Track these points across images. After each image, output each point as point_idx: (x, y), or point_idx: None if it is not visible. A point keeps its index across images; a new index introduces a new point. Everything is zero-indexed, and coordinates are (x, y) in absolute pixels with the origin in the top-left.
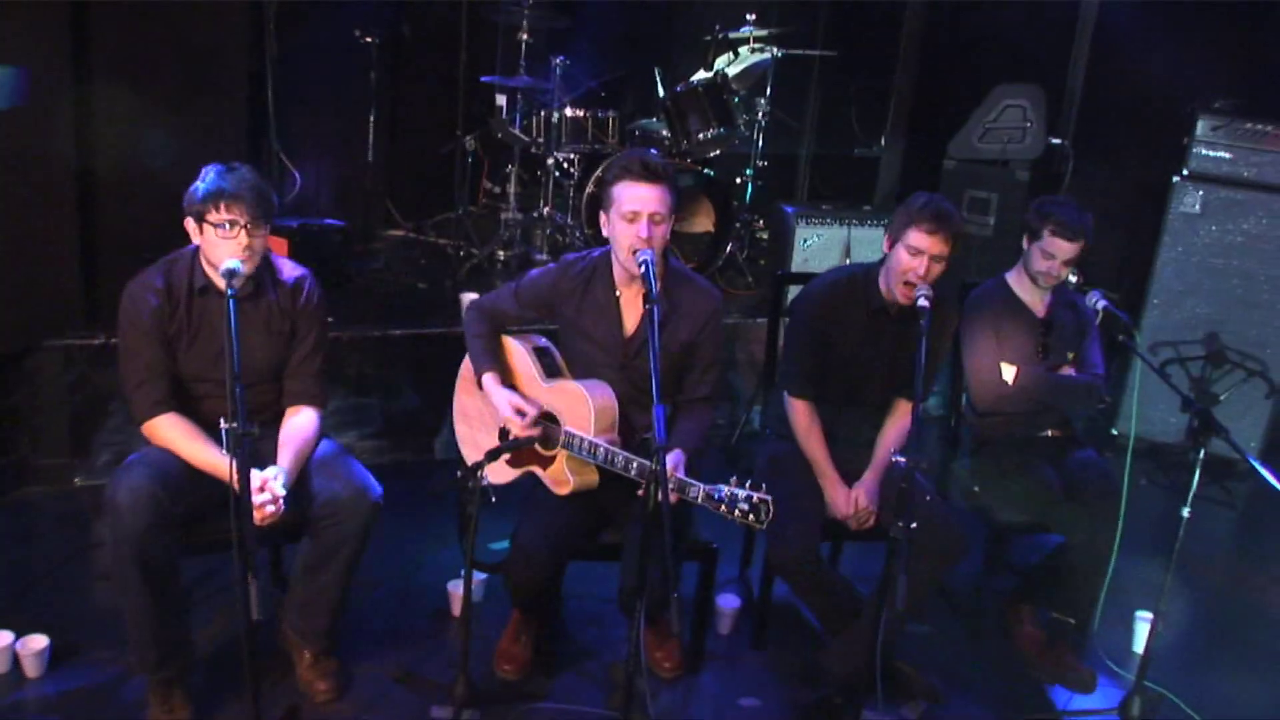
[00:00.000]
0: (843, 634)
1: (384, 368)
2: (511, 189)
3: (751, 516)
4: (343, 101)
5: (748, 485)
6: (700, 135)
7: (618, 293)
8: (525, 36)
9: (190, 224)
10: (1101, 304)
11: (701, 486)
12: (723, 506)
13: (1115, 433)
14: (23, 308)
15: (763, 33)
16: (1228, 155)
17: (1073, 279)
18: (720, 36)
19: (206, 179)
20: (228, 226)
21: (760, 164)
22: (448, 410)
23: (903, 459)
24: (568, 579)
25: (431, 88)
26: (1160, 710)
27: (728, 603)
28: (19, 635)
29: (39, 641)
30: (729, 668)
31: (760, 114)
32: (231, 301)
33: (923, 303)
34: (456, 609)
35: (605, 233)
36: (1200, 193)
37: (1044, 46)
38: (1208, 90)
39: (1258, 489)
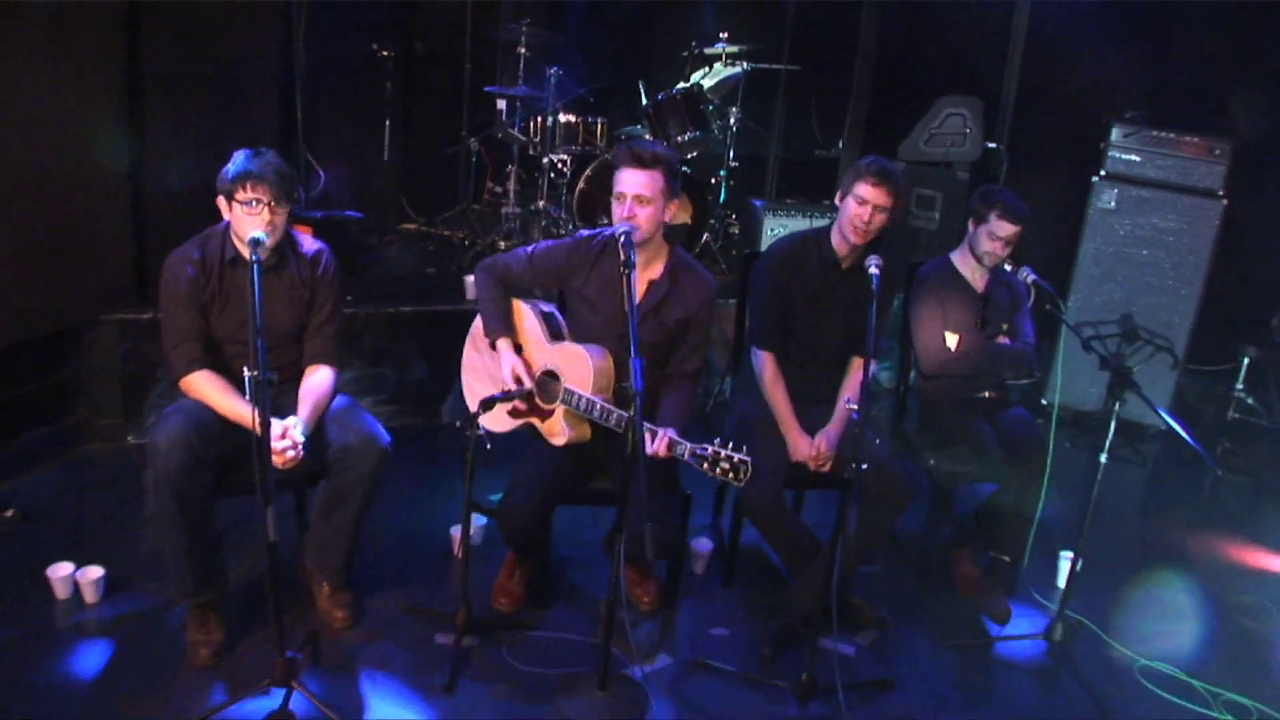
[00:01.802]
0: (803, 573)
1: (396, 341)
2: (511, 186)
3: (731, 475)
4: (362, 108)
5: (729, 446)
6: (679, 138)
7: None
8: (523, 51)
9: (221, 202)
10: (1031, 277)
11: (689, 445)
12: (705, 464)
13: (1045, 402)
14: (82, 287)
15: (734, 49)
16: (1138, 158)
17: (1007, 267)
18: (696, 52)
19: (236, 162)
20: (253, 204)
21: (733, 165)
22: (454, 379)
23: (854, 405)
24: (558, 526)
25: (440, 97)
26: (1079, 635)
27: (701, 546)
28: (79, 567)
29: (95, 571)
30: (702, 603)
31: (732, 121)
32: (255, 266)
33: (874, 269)
34: (458, 551)
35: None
36: (1115, 191)
37: (981, 63)
38: (1121, 102)
39: (1164, 450)
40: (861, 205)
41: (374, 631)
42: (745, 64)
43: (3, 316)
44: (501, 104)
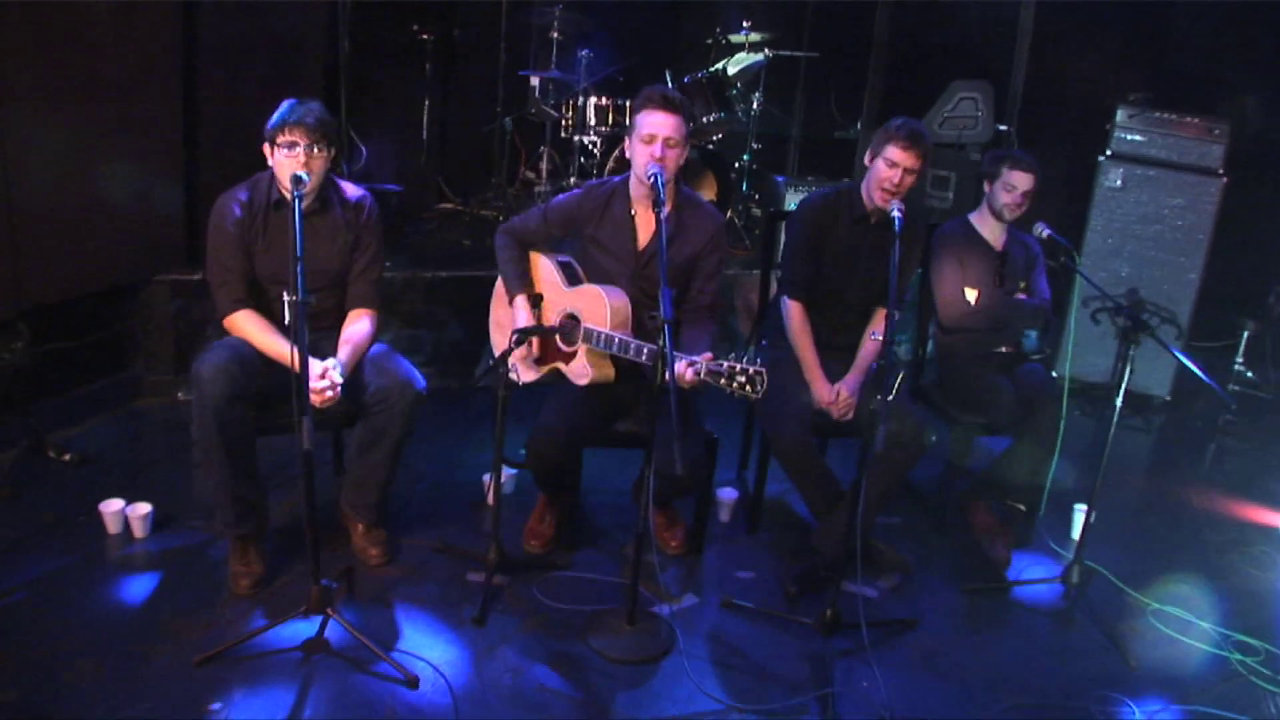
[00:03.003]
0: (828, 517)
1: (432, 304)
2: (544, 167)
3: (749, 387)
4: (402, 89)
5: (745, 359)
6: (704, 119)
7: (633, 211)
8: (556, 35)
9: (266, 148)
10: (1046, 232)
11: (704, 363)
12: (722, 380)
13: (1055, 375)
14: (138, 248)
15: (756, 37)
16: (1142, 139)
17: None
18: (721, 40)
19: (279, 110)
20: (290, 148)
21: (755, 147)
22: (486, 341)
23: (879, 337)
24: (588, 474)
25: (477, 80)
26: (1094, 581)
27: (727, 494)
28: (129, 503)
29: (144, 508)
30: (727, 548)
31: (755, 105)
32: (297, 200)
33: (896, 213)
34: (490, 498)
35: (627, 154)
36: (1121, 170)
37: (992, 48)
38: (1125, 85)
39: (1169, 420)
40: (892, 168)
41: (407, 569)
42: (767, 51)
43: (65, 271)
44: (535, 81)
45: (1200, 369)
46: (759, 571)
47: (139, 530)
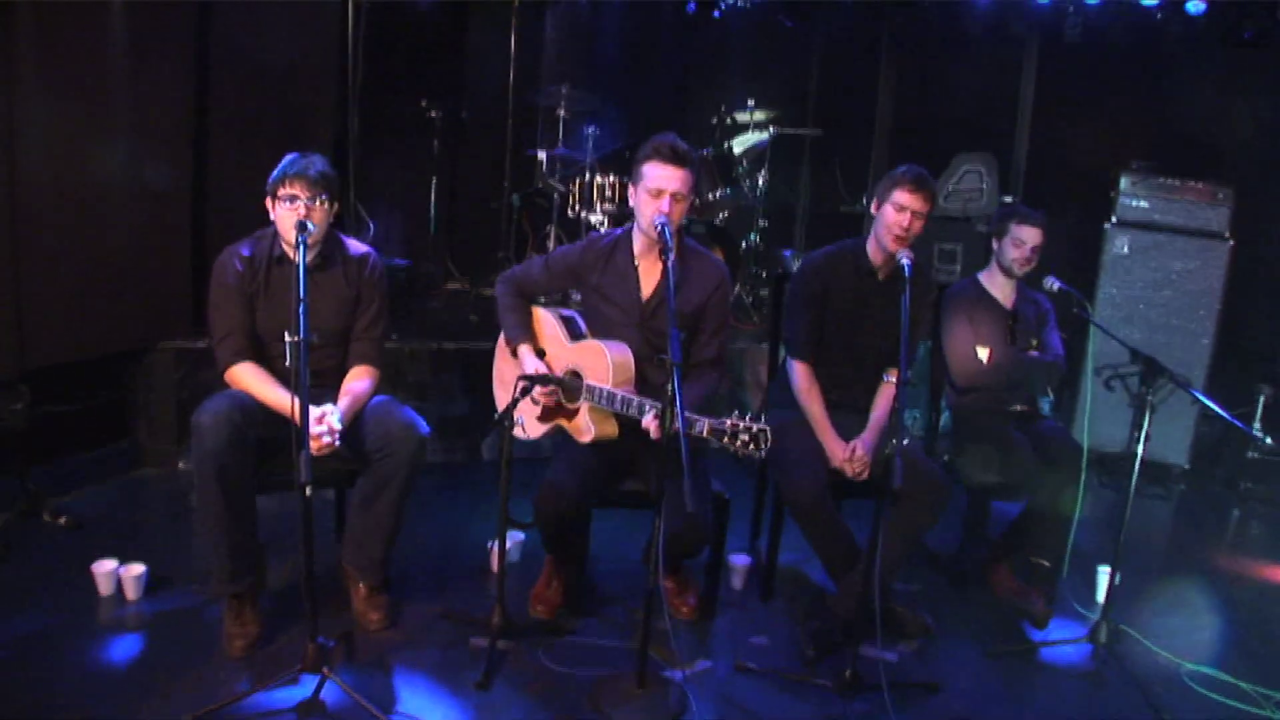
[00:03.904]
0: (846, 577)
1: (438, 374)
2: (551, 245)
3: (752, 446)
4: (410, 165)
5: (748, 417)
6: (710, 196)
7: (637, 262)
8: (562, 114)
9: (268, 202)
10: (1056, 285)
11: (706, 421)
12: (725, 438)
13: None
14: (144, 314)
15: (761, 115)
16: (1147, 204)
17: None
18: (727, 118)
19: (281, 164)
20: (290, 201)
21: (762, 224)
22: (493, 408)
23: (893, 379)
24: (596, 541)
25: (484, 159)
26: (1123, 640)
27: (740, 560)
28: (122, 564)
29: (138, 568)
30: (741, 614)
31: (761, 183)
32: (302, 246)
33: (904, 260)
34: (495, 565)
35: (631, 203)
36: (1127, 237)
37: (993, 121)
38: (1127, 152)
39: (1190, 487)
40: (901, 212)
41: (409, 633)
42: (772, 129)
43: (69, 334)
44: (542, 155)
45: (1222, 409)
46: (774, 637)
47: (132, 592)
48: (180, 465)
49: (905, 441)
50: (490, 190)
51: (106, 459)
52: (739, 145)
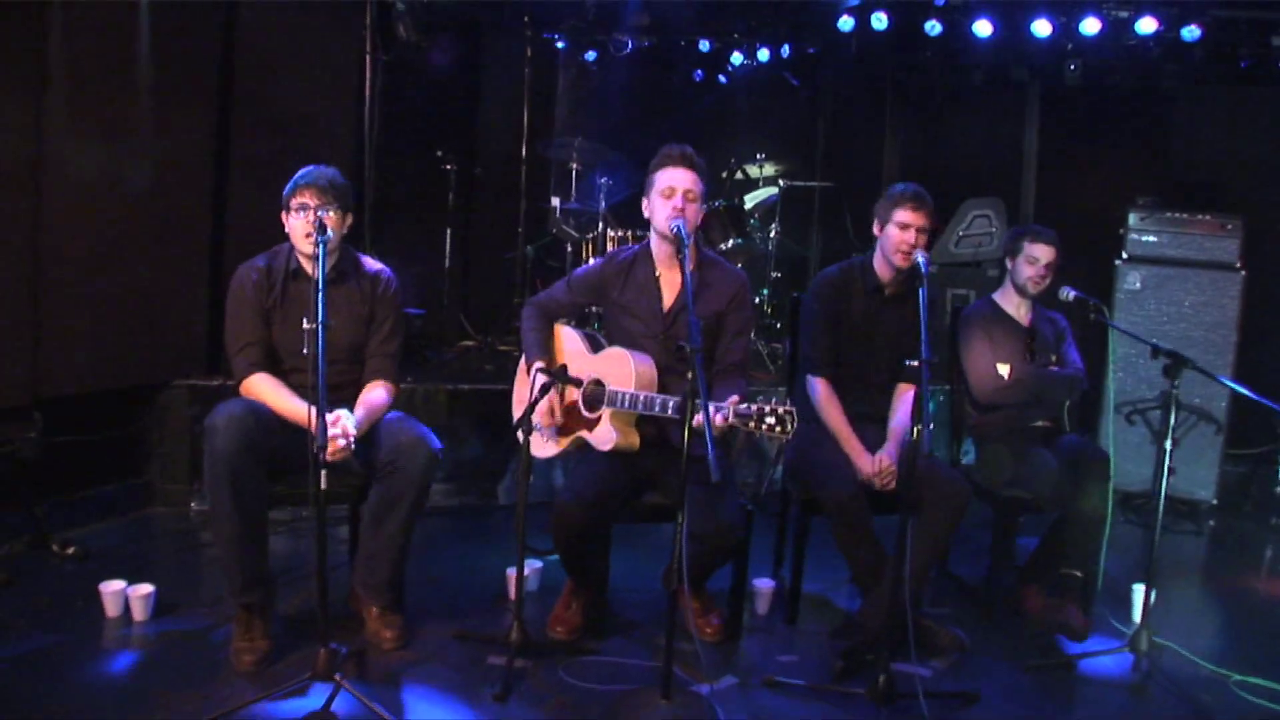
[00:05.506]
0: (875, 589)
1: (453, 417)
2: None
3: (779, 427)
4: (425, 217)
5: (772, 401)
6: (721, 245)
7: (657, 273)
8: (575, 167)
9: (283, 215)
10: (1072, 294)
11: (731, 406)
12: (751, 423)
13: None
14: (158, 352)
15: (771, 170)
16: (1156, 239)
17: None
18: (737, 172)
19: (294, 176)
20: (301, 210)
21: (775, 275)
22: (510, 457)
23: (914, 363)
24: (616, 567)
25: (498, 212)
26: (1164, 654)
27: (764, 584)
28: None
29: (145, 588)
30: (767, 636)
31: (772, 236)
32: (322, 245)
33: (920, 259)
34: (512, 592)
35: (646, 214)
36: (1139, 273)
37: (999, 166)
38: (1133, 187)
39: (1219, 523)
40: (904, 230)
41: (424, 653)
42: (781, 182)
43: (85, 364)
44: (555, 201)
45: (1250, 391)
46: (802, 656)
47: (139, 612)
48: (193, 506)
49: (930, 427)
50: (503, 242)
51: (117, 495)
52: (750, 200)
